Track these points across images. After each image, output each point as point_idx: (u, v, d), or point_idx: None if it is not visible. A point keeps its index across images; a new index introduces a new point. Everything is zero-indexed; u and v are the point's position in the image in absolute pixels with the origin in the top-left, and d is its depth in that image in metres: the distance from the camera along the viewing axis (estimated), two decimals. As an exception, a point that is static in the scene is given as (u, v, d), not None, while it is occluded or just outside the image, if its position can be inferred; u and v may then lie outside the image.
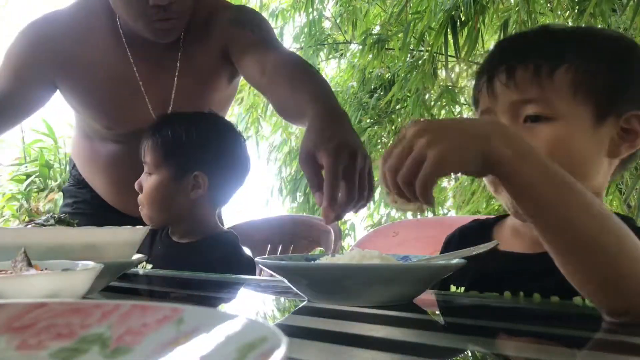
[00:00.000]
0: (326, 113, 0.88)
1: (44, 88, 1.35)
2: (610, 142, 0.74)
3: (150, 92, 1.34)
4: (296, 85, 1.03)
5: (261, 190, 3.93)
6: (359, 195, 0.79)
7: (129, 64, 1.33)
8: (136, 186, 1.28)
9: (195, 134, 1.27)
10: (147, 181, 1.27)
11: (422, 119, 0.55)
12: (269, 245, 1.76)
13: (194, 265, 1.16)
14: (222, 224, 1.54)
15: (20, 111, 1.35)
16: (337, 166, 0.75)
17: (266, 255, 1.56)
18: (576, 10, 2.23)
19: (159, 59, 1.35)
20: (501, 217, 0.89)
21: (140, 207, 1.29)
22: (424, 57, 2.68)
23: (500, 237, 0.84)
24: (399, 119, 3.29)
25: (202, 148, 1.27)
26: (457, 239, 0.92)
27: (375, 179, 0.79)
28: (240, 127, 3.79)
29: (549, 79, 0.73)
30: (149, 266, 1.26)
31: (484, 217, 0.92)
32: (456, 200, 3.23)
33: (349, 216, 3.91)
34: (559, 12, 2.57)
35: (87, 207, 1.49)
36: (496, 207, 2.67)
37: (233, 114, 4.17)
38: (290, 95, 1.03)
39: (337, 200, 0.76)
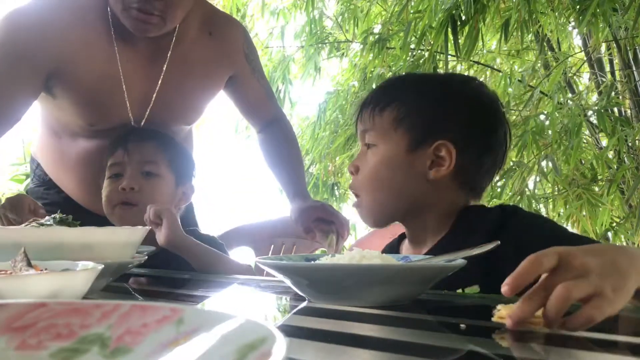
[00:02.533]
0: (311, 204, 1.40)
1: (33, 86, 1.26)
2: (424, 166, 0.92)
3: (132, 90, 1.32)
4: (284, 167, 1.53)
5: (263, 191, 3.93)
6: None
7: (114, 59, 1.29)
8: (132, 185, 1.24)
9: (186, 149, 1.38)
10: (154, 182, 1.27)
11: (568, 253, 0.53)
12: (272, 246, 1.76)
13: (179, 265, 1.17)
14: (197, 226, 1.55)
15: (6, 115, 1.24)
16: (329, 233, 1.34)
17: (268, 255, 1.56)
18: (577, 10, 2.22)
19: (147, 57, 1.32)
20: (402, 237, 1.05)
21: (124, 208, 1.25)
22: (425, 57, 2.68)
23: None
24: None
25: (193, 162, 1.39)
26: None
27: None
28: (241, 127, 3.80)
29: (380, 115, 0.95)
30: None
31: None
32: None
33: (350, 216, 3.90)
34: (560, 11, 2.57)
35: (56, 209, 1.43)
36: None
37: (233, 112, 4.17)
38: (279, 173, 1.54)
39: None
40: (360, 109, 0.99)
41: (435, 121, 0.93)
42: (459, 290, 0.83)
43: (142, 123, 1.35)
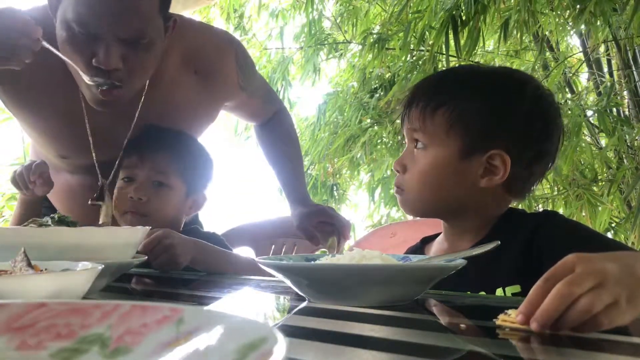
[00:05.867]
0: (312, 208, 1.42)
1: None
2: (477, 174, 0.88)
3: (98, 137, 1.22)
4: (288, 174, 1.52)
5: (264, 191, 3.93)
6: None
7: (78, 100, 1.18)
8: (140, 195, 1.22)
9: (204, 155, 1.34)
10: (163, 193, 1.24)
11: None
12: (273, 246, 1.76)
13: None
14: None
15: None
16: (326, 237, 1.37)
17: (269, 255, 1.56)
18: (577, 10, 2.22)
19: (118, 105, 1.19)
20: (426, 240, 1.04)
21: (134, 217, 1.23)
22: (425, 57, 2.68)
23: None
24: (400, 119, 3.29)
25: (209, 169, 1.35)
26: None
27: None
28: (240, 128, 3.80)
29: (431, 116, 0.90)
30: None
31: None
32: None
33: (350, 216, 3.91)
34: (560, 12, 2.57)
35: (48, 211, 1.34)
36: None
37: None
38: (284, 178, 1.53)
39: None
40: (409, 105, 0.94)
41: (490, 129, 0.89)
42: (499, 289, 0.83)
43: (115, 168, 1.26)
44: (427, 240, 1.04)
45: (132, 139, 1.27)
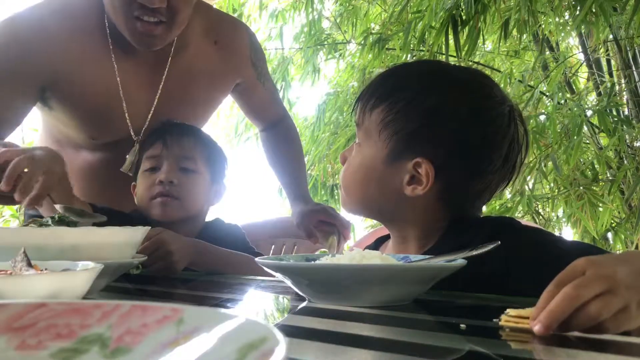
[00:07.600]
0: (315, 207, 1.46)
1: (29, 98, 1.22)
2: (402, 181, 0.84)
3: (131, 102, 1.27)
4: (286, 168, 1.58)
5: (264, 191, 3.93)
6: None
7: (112, 70, 1.24)
8: (170, 178, 1.22)
9: (219, 146, 1.37)
10: (192, 178, 1.26)
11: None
12: (273, 246, 1.77)
13: None
14: None
15: (5, 121, 1.20)
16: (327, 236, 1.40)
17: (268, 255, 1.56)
18: (578, 10, 2.22)
19: (146, 67, 1.28)
20: (380, 241, 0.99)
21: (165, 200, 1.22)
22: (425, 57, 2.67)
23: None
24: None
25: (225, 159, 1.38)
26: None
27: None
28: (241, 128, 3.80)
29: (370, 113, 0.88)
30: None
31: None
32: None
33: (350, 217, 3.90)
34: (560, 12, 2.56)
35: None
36: (497, 207, 2.67)
37: (233, 115, 4.17)
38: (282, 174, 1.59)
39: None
40: (357, 99, 0.91)
41: (420, 134, 0.83)
42: None
43: (141, 134, 1.31)
44: (382, 241, 0.99)
45: (153, 129, 1.30)
